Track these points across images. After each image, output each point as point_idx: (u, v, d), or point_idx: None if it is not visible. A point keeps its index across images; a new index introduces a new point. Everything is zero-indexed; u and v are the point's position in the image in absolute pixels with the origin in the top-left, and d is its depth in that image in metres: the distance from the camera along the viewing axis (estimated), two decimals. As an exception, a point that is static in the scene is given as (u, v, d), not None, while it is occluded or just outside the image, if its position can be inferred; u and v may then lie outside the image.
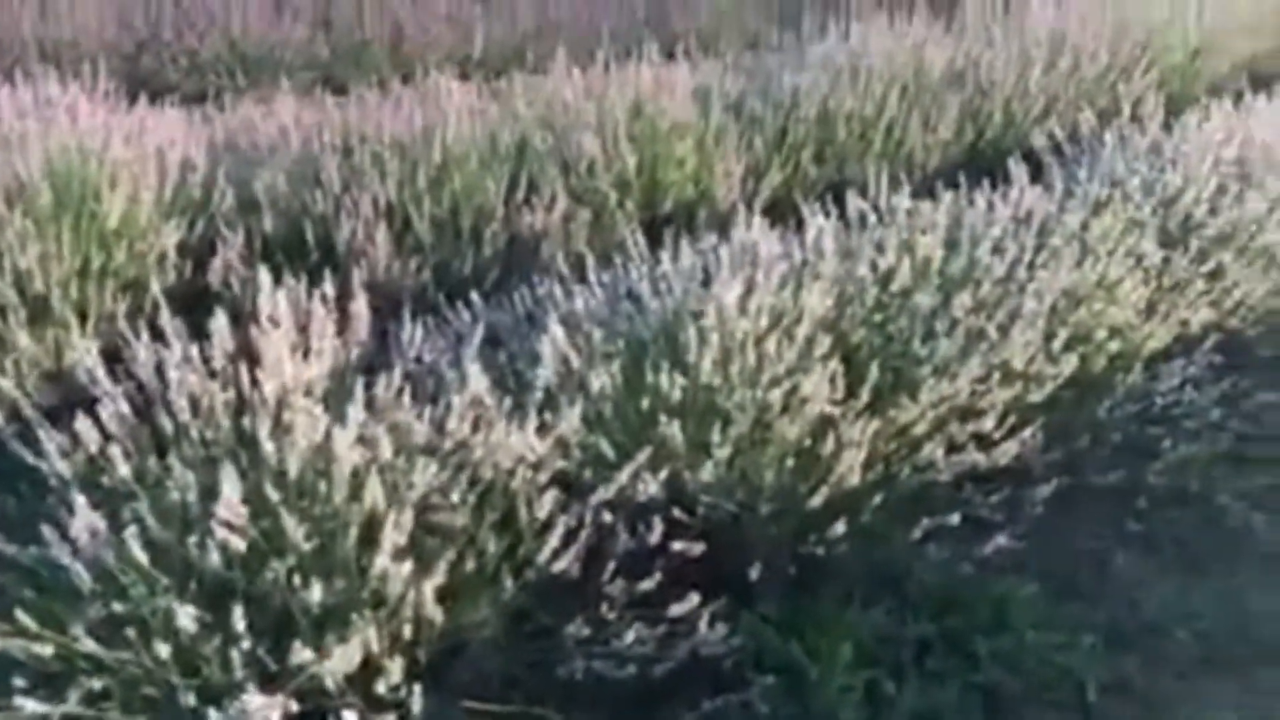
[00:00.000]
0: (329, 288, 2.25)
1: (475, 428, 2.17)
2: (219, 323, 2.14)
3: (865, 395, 2.51)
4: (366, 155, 3.99)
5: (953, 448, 2.59)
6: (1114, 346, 3.06)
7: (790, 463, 2.44)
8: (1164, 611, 2.62)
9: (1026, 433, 2.66)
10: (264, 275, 2.18)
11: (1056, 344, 2.92)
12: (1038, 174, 3.80)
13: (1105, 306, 3.11)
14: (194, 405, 2.11)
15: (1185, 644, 2.52)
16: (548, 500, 2.09)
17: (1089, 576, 2.80)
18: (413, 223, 3.86)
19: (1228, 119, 4.20)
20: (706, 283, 2.80)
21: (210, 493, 1.89)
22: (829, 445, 2.39)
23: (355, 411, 2.01)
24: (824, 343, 2.54)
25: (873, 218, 3.29)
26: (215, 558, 1.89)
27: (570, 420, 2.22)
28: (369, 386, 2.16)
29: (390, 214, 3.84)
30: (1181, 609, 2.63)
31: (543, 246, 3.87)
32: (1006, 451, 2.55)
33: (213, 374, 2.13)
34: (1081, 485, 2.87)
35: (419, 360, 2.50)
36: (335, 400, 2.11)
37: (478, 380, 2.21)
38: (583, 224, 3.97)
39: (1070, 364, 2.90)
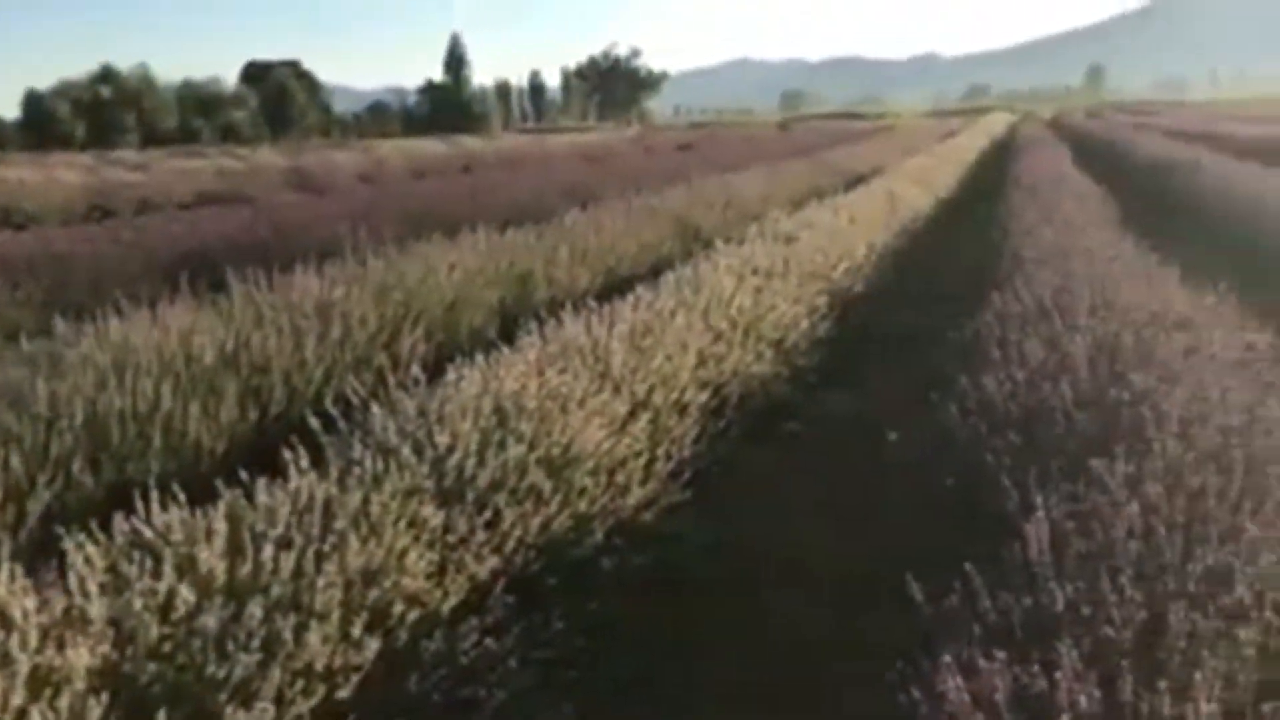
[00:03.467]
0: None
1: None
2: None
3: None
4: None
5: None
6: (412, 617, 3.14)
7: None
8: None
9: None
10: None
11: (356, 629, 2.93)
12: (318, 454, 3.86)
13: (397, 578, 3.19)
14: None
15: None
16: None
17: None
18: None
19: (483, 373, 4.65)
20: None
21: None
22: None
23: None
24: (97, 705, 2.28)
25: (149, 534, 3.10)
26: None
27: None
28: None
29: None
30: None
31: None
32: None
33: None
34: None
35: None
36: None
37: None
38: None
39: (373, 648, 2.92)
